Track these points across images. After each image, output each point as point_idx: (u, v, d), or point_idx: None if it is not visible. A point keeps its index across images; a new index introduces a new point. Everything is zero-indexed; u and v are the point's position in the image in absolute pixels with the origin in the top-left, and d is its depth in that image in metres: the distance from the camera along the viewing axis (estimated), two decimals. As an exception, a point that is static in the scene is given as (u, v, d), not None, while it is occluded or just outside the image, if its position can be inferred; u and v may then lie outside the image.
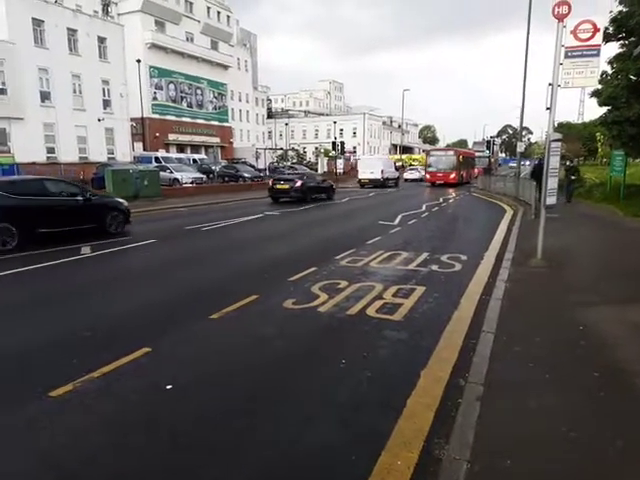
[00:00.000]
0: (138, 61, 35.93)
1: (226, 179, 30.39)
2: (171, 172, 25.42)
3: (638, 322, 4.87)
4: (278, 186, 20.21)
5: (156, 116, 44.95)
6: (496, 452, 2.76)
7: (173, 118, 47.51)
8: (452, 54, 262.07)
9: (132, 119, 36.06)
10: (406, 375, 3.95)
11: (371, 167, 32.41)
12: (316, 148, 64.04)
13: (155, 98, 45.61)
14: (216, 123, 53.57)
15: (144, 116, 38.67)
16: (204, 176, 26.71)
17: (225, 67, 54.94)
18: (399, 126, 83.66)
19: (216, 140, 52.21)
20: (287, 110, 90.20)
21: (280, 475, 2.81)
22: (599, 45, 6.77)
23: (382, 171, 32.26)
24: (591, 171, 33.84)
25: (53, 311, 5.91)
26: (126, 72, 34.22)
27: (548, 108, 7.02)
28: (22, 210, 9.61)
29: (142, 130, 40.61)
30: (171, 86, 47.75)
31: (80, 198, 10.80)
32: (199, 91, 51.55)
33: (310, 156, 65.84)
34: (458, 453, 2.72)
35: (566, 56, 6.87)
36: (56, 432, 3.20)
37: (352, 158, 61.04)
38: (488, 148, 33.38)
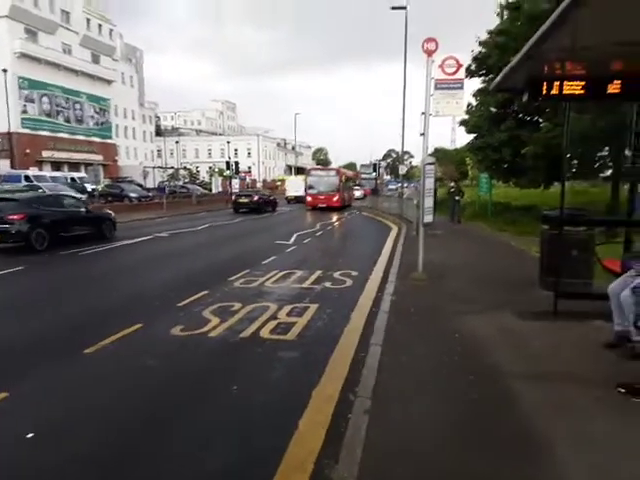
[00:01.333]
0: (4, 71, 32.43)
1: (109, 199, 28.28)
2: (43, 192, 22.93)
3: (505, 326, 5.40)
4: (240, 200, 27.63)
5: (26, 131, 40.71)
6: (384, 466, 2.82)
7: (47, 133, 43.38)
8: (344, 80, 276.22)
9: (-4, 133, 32.17)
10: (298, 396, 3.91)
11: (297, 186, 37.41)
12: (210, 167, 62.72)
13: (25, 111, 41.33)
14: (98, 140, 50.03)
15: (11, 131, 34.80)
16: (83, 196, 24.56)
17: (108, 82, 51.83)
18: (293, 148, 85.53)
19: (98, 158, 48.67)
20: (177, 128, 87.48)
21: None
22: (462, 79, 7.58)
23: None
24: (468, 191, 37.62)
25: None
26: (-12, 81, 30.55)
27: (422, 134, 7.64)
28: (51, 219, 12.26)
29: (9, 146, 36.39)
30: (45, 99, 43.68)
31: (83, 209, 14.00)
32: (78, 105, 47.84)
33: (204, 175, 64.26)
34: (347, 471, 2.73)
35: (436, 88, 7.57)
36: None
37: (248, 178, 60.80)
38: (375, 170, 34.89)
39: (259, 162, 77.84)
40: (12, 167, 34.42)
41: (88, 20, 49.74)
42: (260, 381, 4.25)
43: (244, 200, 27.17)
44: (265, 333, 5.49)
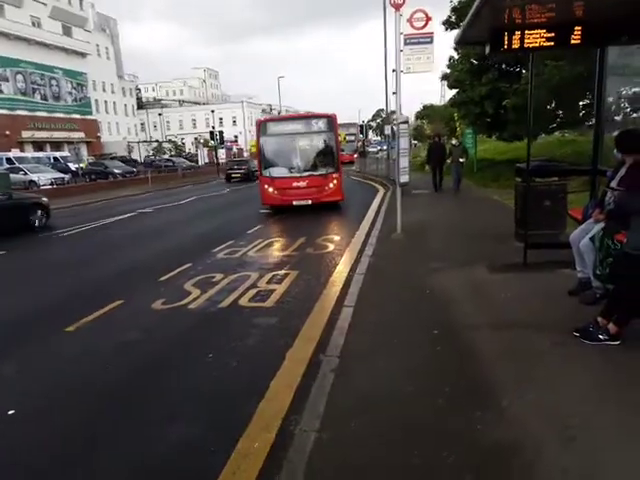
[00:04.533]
0: (-28, 48, 31.34)
1: (93, 177, 27.95)
2: (25, 174, 22.68)
3: (476, 280, 5.53)
4: (232, 172, 29.01)
5: (3, 111, 39.71)
6: (343, 418, 2.97)
7: (25, 113, 42.35)
8: (327, 40, 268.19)
9: (-29, 116, 31.37)
10: (272, 359, 4.04)
11: None
12: (195, 139, 61.70)
13: (0, 91, 40.14)
14: (78, 116, 48.96)
15: (-13, 112, 33.93)
16: (67, 176, 24.28)
17: (83, 55, 50.18)
18: (279, 113, 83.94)
19: (80, 135, 47.73)
20: (160, 100, 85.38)
21: (135, 475, 2.74)
22: (432, 33, 7.43)
23: None
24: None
25: None
26: (-43, 62, 29.50)
27: (394, 92, 7.54)
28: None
29: (-13, 128, 35.59)
30: (19, 77, 42.38)
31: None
32: (54, 82, 46.47)
33: (190, 147, 63.28)
34: (308, 425, 2.88)
35: (405, 43, 7.42)
36: None
37: (234, 147, 59.84)
38: (362, 132, 33.77)
39: (245, 130, 76.51)
40: (-7, 150, 33.71)
41: (56, -10, 47.64)
42: (235, 348, 4.38)
43: (236, 171, 29.30)
44: (244, 302, 5.60)
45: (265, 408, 3.27)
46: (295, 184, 12.49)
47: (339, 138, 13.77)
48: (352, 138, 38.10)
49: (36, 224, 12.32)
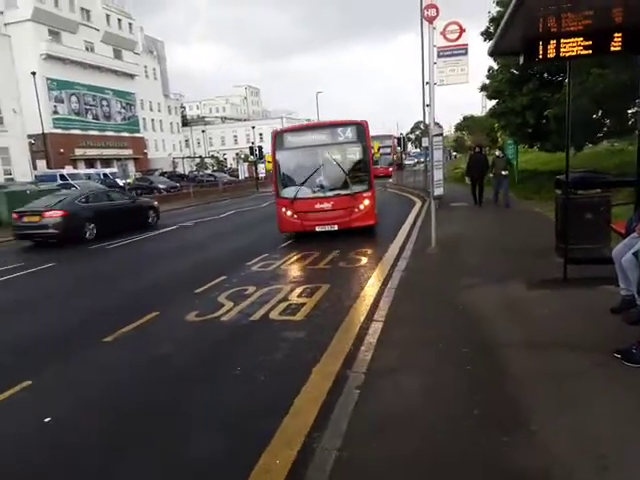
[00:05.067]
0: (33, 73, 33.50)
1: (139, 192, 29.13)
2: (76, 189, 23.93)
3: (512, 296, 5.33)
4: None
5: (59, 131, 42.14)
6: (365, 437, 2.91)
7: (78, 132, 44.82)
8: (366, 54, 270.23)
9: (30, 136, 33.46)
10: (299, 374, 4.03)
11: None
12: (237, 154, 63.30)
13: (56, 112, 42.75)
14: (127, 134, 51.33)
15: (45, 132, 36.09)
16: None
17: (131, 76, 52.72)
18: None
19: (128, 152, 50.00)
20: (203, 117, 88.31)
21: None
22: (466, 45, 7.34)
23: None
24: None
25: None
26: (19, 86, 31.65)
27: (428, 105, 7.47)
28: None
29: (44, 147, 37.84)
30: (73, 98, 45.00)
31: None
32: (105, 102, 49.03)
33: (231, 162, 64.92)
34: (329, 443, 2.84)
35: (439, 56, 7.37)
36: None
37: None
38: (399, 144, 33.47)
39: (285, 144, 77.72)
40: (48, 167, 35.84)
41: (108, 16, 50.50)
42: (264, 361, 4.41)
43: None
44: (275, 315, 5.64)
45: (289, 424, 3.26)
46: (318, 206, 10.27)
47: (372, 150, 11.57)
48: (388, 151, 34.75)
49: (149, 221, 15.89)
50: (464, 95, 71.51)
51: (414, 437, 2.88)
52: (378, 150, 13.98)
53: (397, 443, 2.84)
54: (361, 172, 10.62)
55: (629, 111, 14.48)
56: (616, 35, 4.56)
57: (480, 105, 47.28)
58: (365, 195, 10.32)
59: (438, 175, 7.59)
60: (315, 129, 11.15)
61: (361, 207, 10.30)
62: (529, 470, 2.49)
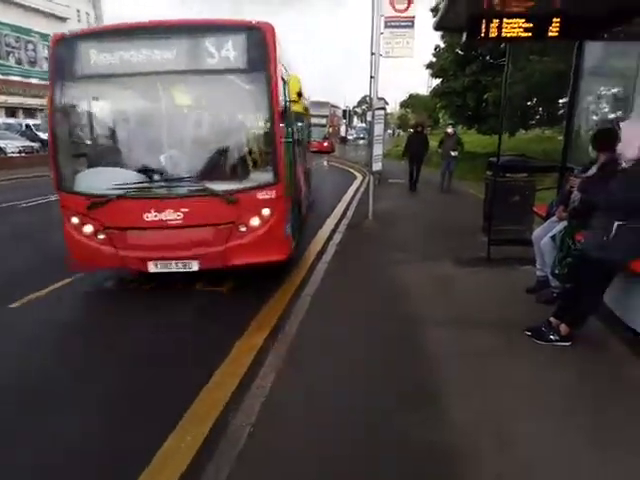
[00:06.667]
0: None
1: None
2: (-7, 140, 21.73)
3: (438, 274, 5.45)
4: None
5: (-26, 73, 37.88)
6: (281, 412, 2.85)
7: (-3, 76, 40.52)
8: (314, 19, 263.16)
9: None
10: (220, 348, 3.87)
11: None
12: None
13: (-29, 51, 38.27)
14: (55, 84, 47.05)
15: (-43, 73, 32.28)
16: (36, 144, 23.40)
17: (63, 19, 48.10)
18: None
19: (56, 103, 45.94)
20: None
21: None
22: (413, 17, 7.22)
23: None
24: (436, 139, 37.13)
25: None
26: None
27: (372, 77, 7.34)
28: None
29: (-43, 90, 33.92)
30: (-8, 37, 40.42)
31: None
32: (31, 46, 44.46)
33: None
34: (245, 419, 2.75)
35: (386, 26, 7.20)
36: None
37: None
38: (345, 117, 33.08)
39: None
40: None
41: (35, -52, 45.35)
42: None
43: None
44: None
45: (205, 397, 3.13)
46: (153, 216, 4.70)
47: (281, 94, 4.85)
48: (324, 122, 28.01)
49: None
50: (413, 75, 72.11)
51: (327, 414, 2.85)
52: (299, 97, 5.87)
53: (310, 419, 2.79)
54: (256, 144, 4.92)
55: (560, 101, 15.20)
56: (555, 20, 4.61)
57: (426, 84, 47.65)
58: (263, 196, 4.75)
59: (378, 150, 7.53)
60: (153, 34, 4.59)
61: (252, 223, 4.80)
62: (437, 444, 2.53)
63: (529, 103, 14.73)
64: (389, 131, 49.46)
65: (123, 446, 2.70)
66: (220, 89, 4.92)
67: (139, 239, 4.77)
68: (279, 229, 4.92)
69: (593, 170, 3.89)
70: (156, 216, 4.65)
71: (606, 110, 10.93)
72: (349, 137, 42.56)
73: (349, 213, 9.58)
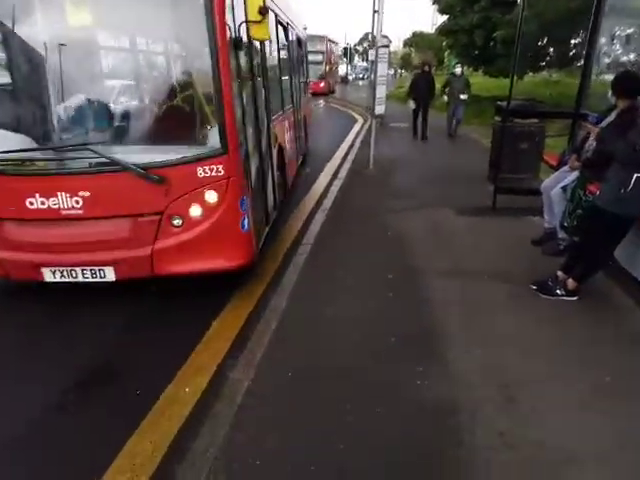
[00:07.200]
0: None
1: None
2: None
3: (440, 222, 5.32)
4: None
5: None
6: (280, 366, 2.81)
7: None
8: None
9: None
10: (219, 302, 3.80)
11: None
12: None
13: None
14: None
15: None
16: None
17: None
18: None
19: None
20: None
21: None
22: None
23: None
24: (440, 81, 35.71)
25: None
26: None
27: (375, 11, 6.85)
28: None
29: None
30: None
31: None
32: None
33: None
34: (243, 373, 2.72)
35: (391, -47, 6.60)
36: None
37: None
38: (346, 55, 31.43)
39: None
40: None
41: None
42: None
43: None
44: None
45: (202, 349, 3.10)
46: (40, 202, 3.12)
47: (229, 5, 3.09)
48: (319, 59, 24.17)
49: None
50: (417, 13, 68.44)
51: (328, 363, 2.81)
52: (262, 15, 3.04)
53: (311, 368, 2.76)
54: (193, 93, 3.22)
55: (572, 41, 14.43)
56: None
57: (431, 22, 45.11)
58: (205, 173, 3.16)
59: (381, 91, 7.16)
60: None
61: (191, 214, 3.27)
62: (440, 401, 2.50)
63: (539, 43, 13.97)
64: (391, 71, 47.55)
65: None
66: (139, 9, 3.06)
67: (23, 235, 3.26)
68: (232, 222, 3.30)
69: (612, 117, 3.64)
70: (43, 203, 3.11)
71: (619, 52, 10.39)
72: (349, 77, 40.82)
73: (350, 157, 9.32)
